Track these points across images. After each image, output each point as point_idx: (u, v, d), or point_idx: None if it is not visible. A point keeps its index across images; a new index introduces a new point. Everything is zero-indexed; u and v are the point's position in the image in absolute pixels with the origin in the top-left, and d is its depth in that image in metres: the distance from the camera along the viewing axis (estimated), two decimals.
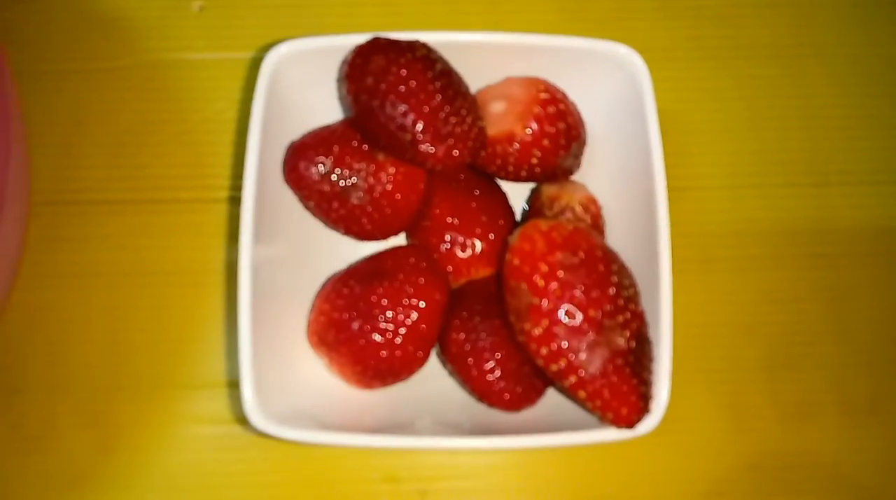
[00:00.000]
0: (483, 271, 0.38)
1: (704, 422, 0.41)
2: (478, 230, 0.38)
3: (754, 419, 0.41)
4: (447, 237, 0.38)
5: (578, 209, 0.37)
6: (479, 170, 0.39)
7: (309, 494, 0.40)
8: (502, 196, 0.40)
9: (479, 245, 0.37)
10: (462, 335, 0.35)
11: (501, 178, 0.39)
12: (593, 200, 0.38)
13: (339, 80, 0.37)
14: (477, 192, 0.38)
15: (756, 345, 0.42)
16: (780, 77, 0.46)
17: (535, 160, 0.36)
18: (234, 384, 0.41)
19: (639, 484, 0.41)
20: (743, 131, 0.45)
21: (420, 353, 0.36)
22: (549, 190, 0.38)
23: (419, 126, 0.34)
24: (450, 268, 0.38)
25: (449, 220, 0.38)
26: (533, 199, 0.40)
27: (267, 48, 0.36)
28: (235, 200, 0.43)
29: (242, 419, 0.40)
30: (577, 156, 0.38)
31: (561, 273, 0.31)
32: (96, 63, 0.45)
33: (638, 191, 0.36)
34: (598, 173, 0.39)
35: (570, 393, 0.32)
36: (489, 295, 0.36)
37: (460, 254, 0.38)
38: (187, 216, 0.43)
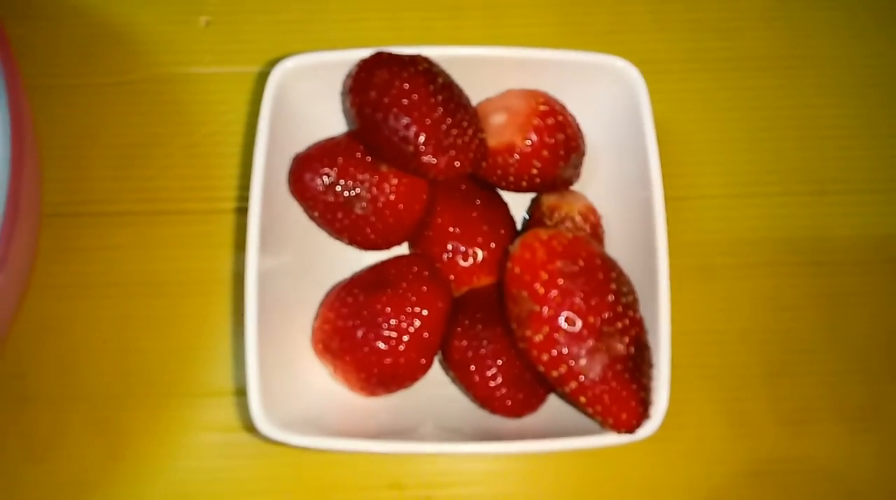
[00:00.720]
0: (484, 280, 0.38)
1: (703, 429, 0.41)
2: (479, 239, 0.38)
3: (752, 426, 0.42)
4: (449, 246, 0.38)
5: (578, 219, 0.38)
6: (481, 180, 0.39)
7: None
8: (503, 206, 0.40)
9: (480, 254, 0.38)
10: (464, 343, 0.36)
11: (502, 188, 0.40)
12: (592, 210, 0.38)
13: (344, 94, 0.38)
14: (478, 202, 0.39)
15: (754, 352, 0.43)
16: (776, 88, 0.47)
17: (534, 171, 0.37)
18: (241, 392, 0.41)
19: (639, 491, 0.41)
20: (739, 141, 0.46)
21: (423, 360, 0.36)
22: (549, 200, 0.39)
23: (421, 138, 0.34)
24: (452, 277, 0.38)
25: (451, 229, 0.38)
26: (533, 209, 0.40)
27: (273, 62, 0.37)
28: (242, 211, 0.43)
29: (249, 427, 0.40)
30: (577, 166, 0.39)
31: (561, 281, 0.32)
32: (105, 77, 0.45)
33: (636, 201, 0.36)
34: (598, 184, 0.40)
35: (570, 399, 0.32)
36: (490, 303, 0.37)
37: (462, 263, 0.38)
38: (195, 227, 0.43)
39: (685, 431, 0.41)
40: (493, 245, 0.38)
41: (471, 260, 0.38)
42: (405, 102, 0.34)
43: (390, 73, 0.35)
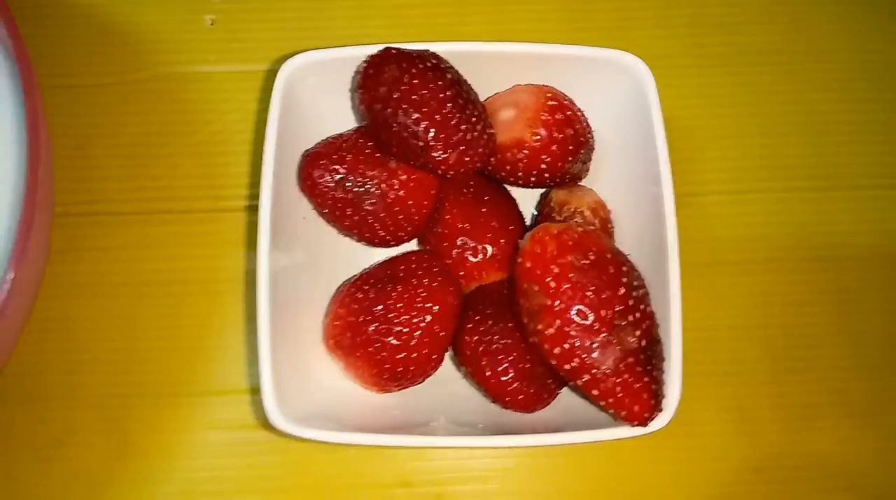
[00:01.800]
0: (494, 276, 0.38)
1: (711, 425, 0.42)
2: (489, 235, 0.38)
3: (759, 422, 0.42)
4: (459, 243, 0.38)
5: (587, 214, 0.38)
6: (490, 176, 0.40)
7: (324, 498, 0.40)
8: (512, 202, 0.40)
9: (490, 250, 0.38)
10: (475, 338, 0.36)
11: (511, 184, 0.40)
12: (602, 205, 0.39)
13: (353, 90, 0.38)
14: (487, 198, 0.39)
15: (761, 348, 0.43)
16: (781, 83, 0.47)
17: (543, 166, 0.37)
18: (252, 391, 0.41)
19: (644, 487, 0.41)
20: (743, 137, 0.46)
21: (434, 356, 0.36)
22: (558, 195, 0.39)
23: (431, 133, 0.34)
24: (462, 273, 0.38)
25: (460, 225, 0.38)
26: (543, 204, 0.40)
27: (277, 60, 0.37)
28: (251, 209, 0.43)
29: (260, 424, 0.40)
30: (585, 162, 0.39)
31: (572, 275, 0.32)
32: (111, 77, 0.45)
33: (646, 196, 0.37)
34: (607, 179, 0.40)
35: (583, 391, 0.33)
36: (501, 299, 0.37)
37: (472, 259, 0.38)
38: (202, 226, 0.43)
39: (690, 427, 0.41)
40: (502, 241, 0.38)
41: (480, 256, 0.38)
42: (414, 97, 0.34)
43: (399, 69, 0.35)
